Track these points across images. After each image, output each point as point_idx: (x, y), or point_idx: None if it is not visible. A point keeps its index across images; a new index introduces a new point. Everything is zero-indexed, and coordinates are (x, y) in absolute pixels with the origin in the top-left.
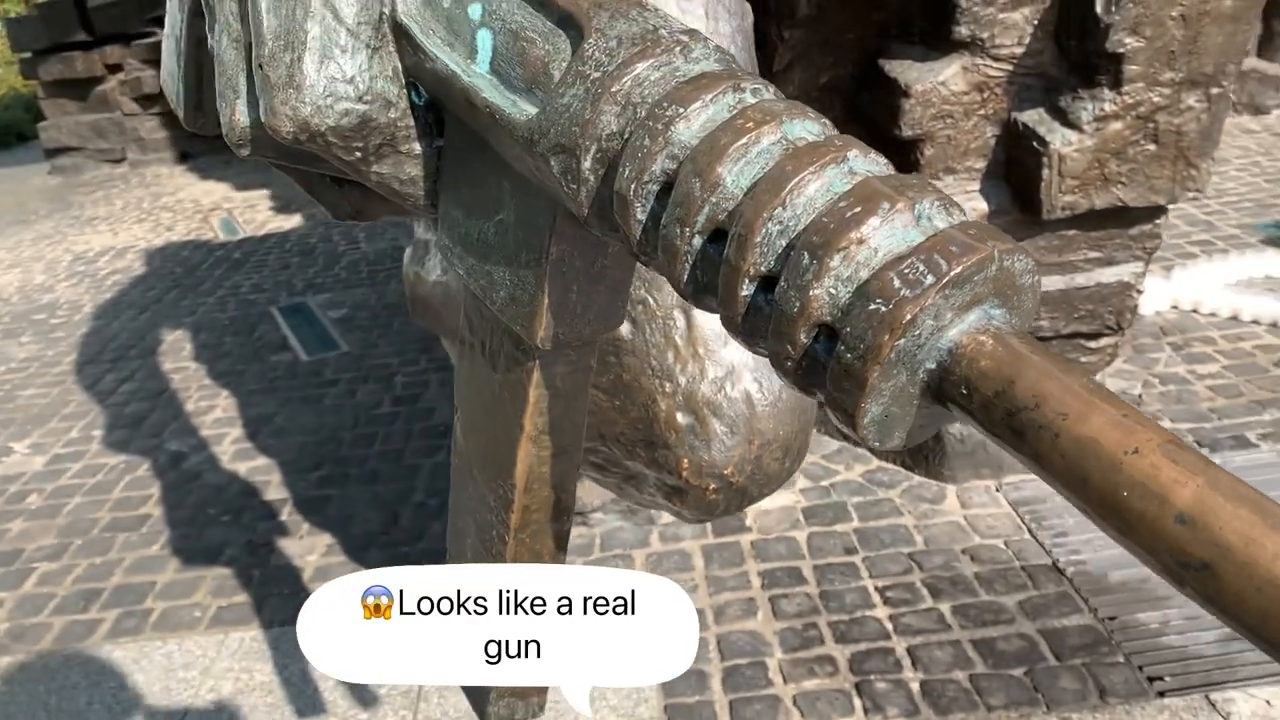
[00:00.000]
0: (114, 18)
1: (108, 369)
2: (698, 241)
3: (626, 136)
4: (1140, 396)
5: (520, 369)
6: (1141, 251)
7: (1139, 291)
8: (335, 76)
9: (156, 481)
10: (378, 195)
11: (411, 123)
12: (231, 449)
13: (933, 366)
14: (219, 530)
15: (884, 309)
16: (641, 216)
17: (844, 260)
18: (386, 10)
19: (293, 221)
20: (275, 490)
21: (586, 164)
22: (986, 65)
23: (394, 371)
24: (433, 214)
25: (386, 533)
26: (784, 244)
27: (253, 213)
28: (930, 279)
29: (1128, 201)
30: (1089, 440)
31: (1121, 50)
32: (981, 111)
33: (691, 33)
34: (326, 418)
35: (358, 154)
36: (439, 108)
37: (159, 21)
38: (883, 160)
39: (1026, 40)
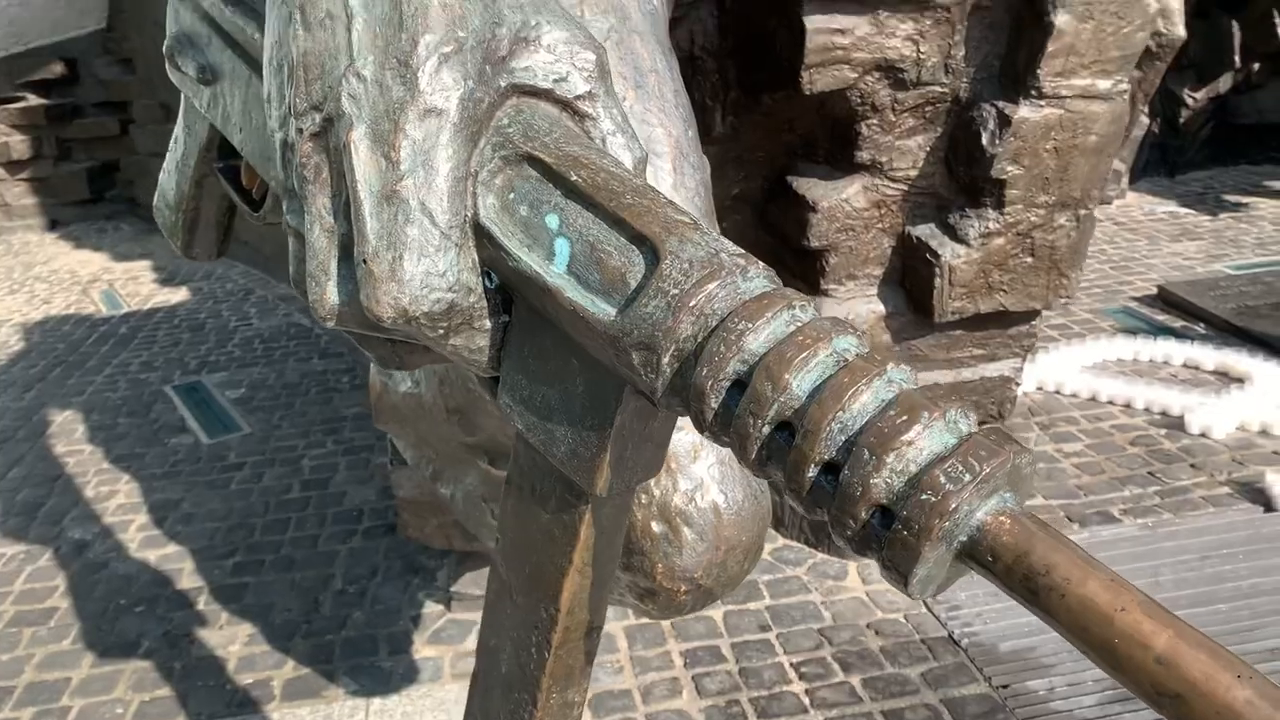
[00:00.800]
0: None
1: None
2: (767, 430)
3: (701, 341)
4: None
5: (573, 511)
6: (1020, 349)
7: (1017, 384)
8: (430, 271)
9: (61, 572)
10: (422, 348)
11: (485, 304)
12: (139, 536)
13: (964, 539)
14: (133, 621)
15: (933, 499)
16: (715, 405)
17: (898, 458)
18: (469, 214)
19: (179, 295)
20: (189, 579)
21: (665, 360)
22: (884, 185)
23: (300, 454)
24: (493, 373)
25: (309, 620)
26: (844, 439)
27: (135, 285)
28: (968, 478)
29: (1008, 307)
30: (1088, 599)
31: (1004, 177)
32: (880, 225)
33: (745, 255)
34: (235, 503)
35: (440, 332)
36: (507, 290)
37: (30, 86)
38: (907, 368)
39: (920, 164)
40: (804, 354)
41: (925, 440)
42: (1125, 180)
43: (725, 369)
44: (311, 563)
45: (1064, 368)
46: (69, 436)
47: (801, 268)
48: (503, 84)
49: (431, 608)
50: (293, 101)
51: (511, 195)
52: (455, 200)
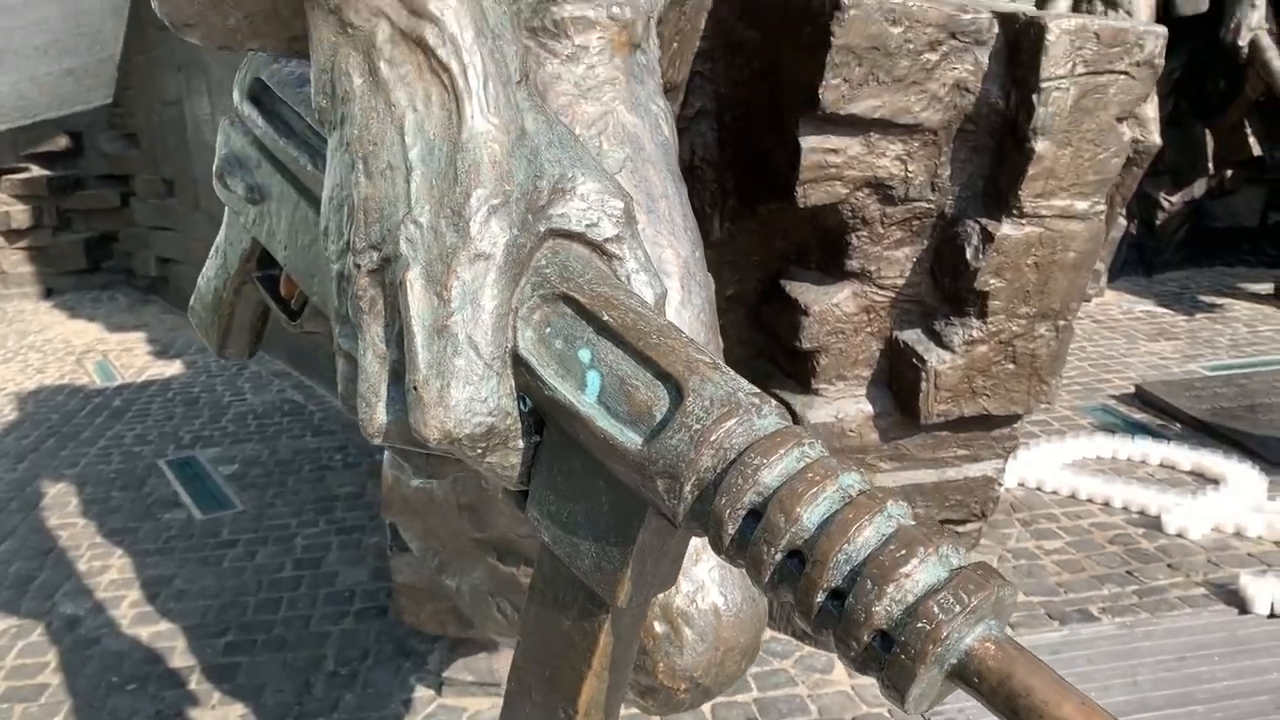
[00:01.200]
0: None
1: None
2: (779, 557)
3: (720, 473)
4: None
5: (593, 620)
6: (1002, 451)
7: (1000, 484)
8: (473, 398)
9: (53, 647)
10: (455, 460)
11: (519, 426)
12: (131, 613)
13: (954, 662)
14: (125, 700)
15: (928, 627)
16: (732, 532)
17: (897, 588)
18: (510, 345)
19: (173, 368)
20: (180, 657)
21: (688, 489)
22: (873, 292)
23: (293, 533)
24: (522, 488)
25: (300, 703)
26: (849, 569)
27: (129, 356)
28: (958, 608)
29: (991, 411)
30: None
31: (986, 289)
32: (869, 329)
33: (759, 394)
34: (227, 581)
35: (479, 451)
36: (540, 413)
37: (34, 158)
38: (904, 504)
39: (907, 274)
40: (813, 489)
41: (921, 573)
42: (1104, 279)
43: (742, 500)
44: (304, 643)
45: (1045, 464)
46: (62, 509)
47: (793, 367)
48: (542, 229)
49: (423, 692)
50: (352, 239)
51: (548, 330)
52: (498, 334)
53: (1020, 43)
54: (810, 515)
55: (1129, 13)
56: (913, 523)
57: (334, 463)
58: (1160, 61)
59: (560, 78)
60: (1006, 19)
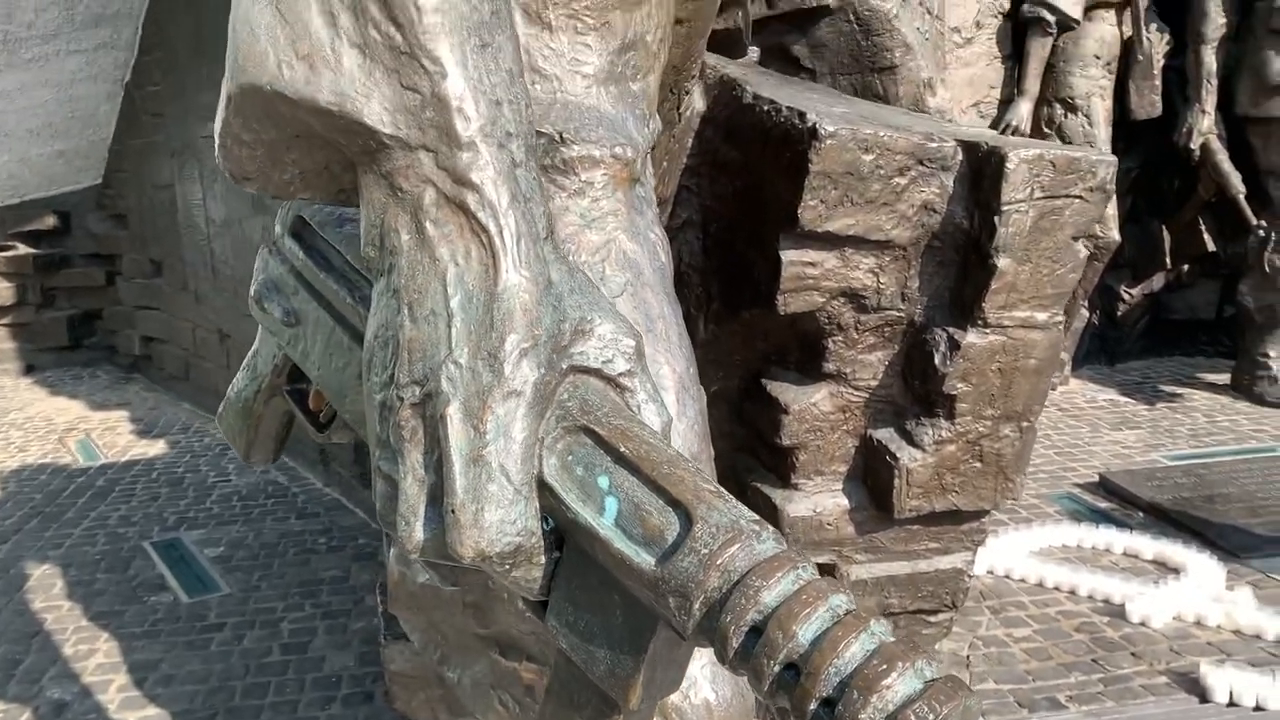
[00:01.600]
0: None
1: None
2: (777, 669)
3: (725, 593)
4: (968, 658)
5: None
6: (971, 543)
7: (970, 575)
8: (504, 520)
9: None
10: (477, 570)
11: (542, 543)
12: (118, 697)
13: None
14: None
15: None
16: (736, 645)
17: (879, 698)
18: (535, 471)
19: (157, 448)
20: None
21: (696, 606)
22: (849, 392)
23: (280, 617)
24: (541, 599)
25: None
26: (838, 680)
27: (112, 435)
28: (931, 717)
29: (960, 506)
30: None
31: (954, 392)
32: (845, 427)
33: (759, 521)
34: (214, 665)
35: (506, 567)
36: (559, 531)
37: (21, 236)
38: (886, 624)
39: (880, 376)
40: (807, 609)
41: (900, 685)
42: (1068, 368)
43: (745, 618)
44: None
45: (1013, 553)
46: (47, 591)
47: (774, 461)
48: (564, 365)
49: None
50: (397, 374)
51: (570, 458)
52: (527, 462)
53: (983, 169)
54: (805, 632)
55: (1087, 116)
56: (893, 639)
57: (319, 546)
58: (1111, 187)
59: (568, 209)
60: (969, 147)
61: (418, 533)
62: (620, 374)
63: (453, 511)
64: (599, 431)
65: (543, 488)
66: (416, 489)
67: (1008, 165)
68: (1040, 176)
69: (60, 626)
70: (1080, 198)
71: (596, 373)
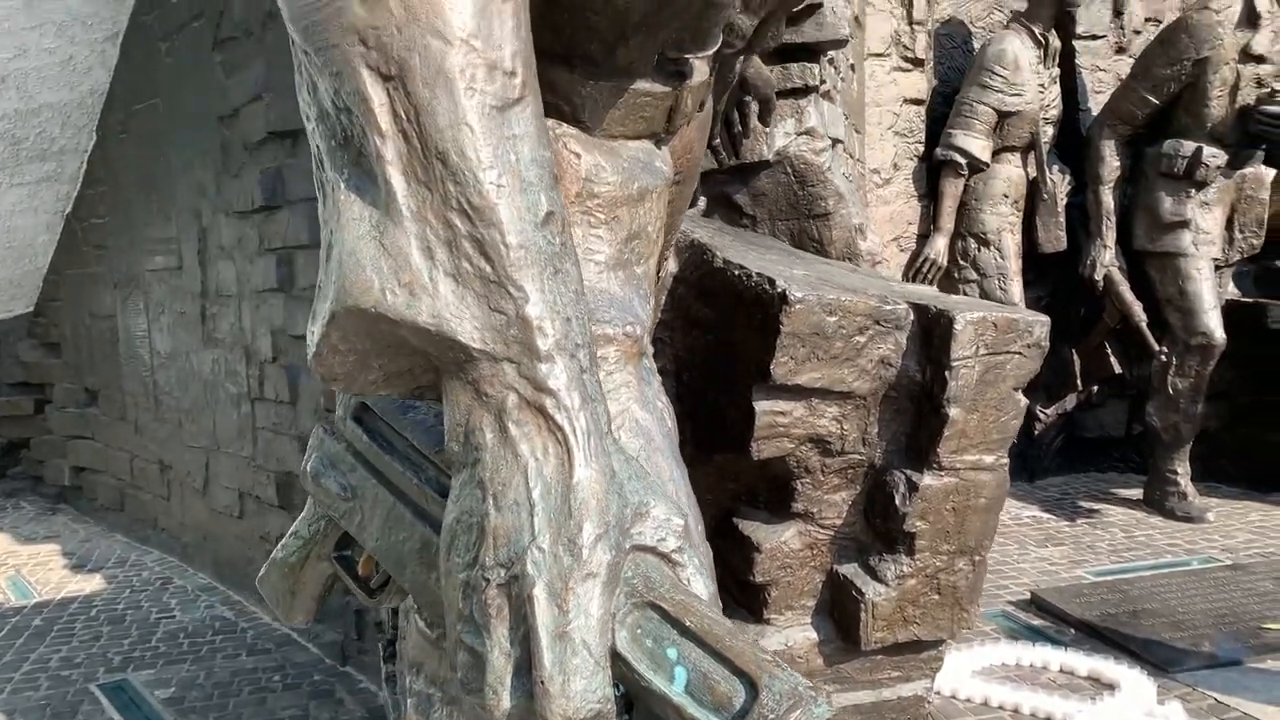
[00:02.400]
0: None
1: None
2: None
3: None
4: None
5: None
6: (929, 670)
7: (929, 702)
8: (588, 689)
9: None
10: None
11: (615, 708)
12: None
13: None
14: None
15: None
16: None
17: None
18: (610, 644)
19: (93, 583)
20: None
21: None
22: (816, 530)
23: None
24: None
25: None
26: None
27: (45, 571)
28: None
29: (921, 636)
30: None
31: (914, 530)
32: (812, 564)
33: (814, 688)
34: None
35: None
36: (629, 694)
37: None
38: None
39: (844, 515)
40: None
41: None
42: None
43: None
44: None
45: (957, 673)
46: None
47: (745, 597)
48: (628, 545)
49: None
50: (482, 557)
51: (639, 631)
52: (603, 636)
53: (933, 329)
54: None
55: (999, 249)
56: None
57: (273, 684)
58: (1045, 344)
59: None
60: (920, 309)
61: (505, 701)
62: (672, 550)
63: (542, 683)
64: (664, 607)
65: (616, 658)
66: (503, 661)
67: (956, 326)
68: (984, 335)
69: None
70: (1019, 354)
71: (651, 550)
